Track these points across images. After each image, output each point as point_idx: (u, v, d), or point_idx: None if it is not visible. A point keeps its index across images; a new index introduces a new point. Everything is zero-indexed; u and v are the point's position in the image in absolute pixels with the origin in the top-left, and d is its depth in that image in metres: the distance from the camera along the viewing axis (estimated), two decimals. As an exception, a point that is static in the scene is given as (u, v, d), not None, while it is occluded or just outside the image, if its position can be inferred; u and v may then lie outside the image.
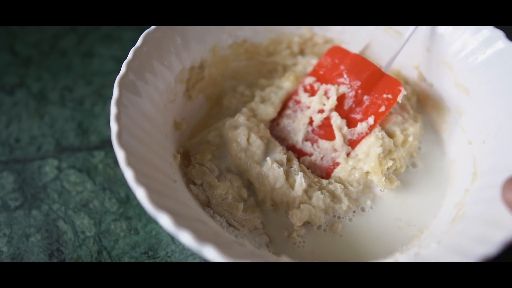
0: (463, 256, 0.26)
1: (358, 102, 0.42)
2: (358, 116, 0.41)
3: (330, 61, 0.44)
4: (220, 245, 0.26)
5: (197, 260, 0.40)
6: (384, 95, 0.41)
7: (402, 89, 0.40)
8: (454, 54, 0.40)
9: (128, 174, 0.28)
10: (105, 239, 0.41)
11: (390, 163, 0.39)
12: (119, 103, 0.32)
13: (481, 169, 0.36)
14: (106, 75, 0.54)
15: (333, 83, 0.43)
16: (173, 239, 0.41)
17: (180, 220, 0.27)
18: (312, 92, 0.44)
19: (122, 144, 0.30)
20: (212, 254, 0.26)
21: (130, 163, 0.29)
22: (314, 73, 0.45)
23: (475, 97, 0.38)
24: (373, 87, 0.41)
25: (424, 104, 0.46)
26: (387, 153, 0.40)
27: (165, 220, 0.27)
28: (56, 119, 0.50)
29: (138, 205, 0.43)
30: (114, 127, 0.30)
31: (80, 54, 0.56)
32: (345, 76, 0.42)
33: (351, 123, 0.42)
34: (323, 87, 0.43)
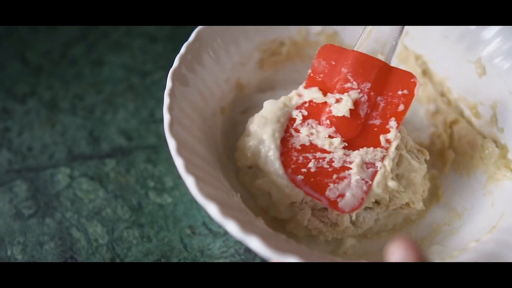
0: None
1: (372, 106, 0.38)
2: (377, 122, 0.37)
3: (325, 63, 0.39)
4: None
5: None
6: (399, 92, 0.37)
7: (417, 80, 0.37)
8: None
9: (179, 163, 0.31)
10: (118, 247, 0.41)
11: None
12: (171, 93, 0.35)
13: None
14: (116, 83, 0.54)
15: (339, 91, 0.38)
16: (185, 247, 0.41)
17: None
18: (316, 111, 0.39)
19: (173, 134, 0.32)
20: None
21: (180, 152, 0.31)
22: (311, 81, 0.39)
23: None
24: (385, 85, 0.38)
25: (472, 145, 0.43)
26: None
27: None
28: (68, 127, 0.50)
29: (150, 213, 0.43)
30: (166, 117, 0.33)
31: (90, 62, 0.57)
32: (351, 80, 0.38)
33: (369, 131, 0.37)
34: (331, 98, 0.38)
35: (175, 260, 0.40)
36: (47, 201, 0.45)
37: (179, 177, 0.46)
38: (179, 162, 0.30)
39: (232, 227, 0.27)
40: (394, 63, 0.40)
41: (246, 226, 0.28)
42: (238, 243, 0.41)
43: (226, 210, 0.28)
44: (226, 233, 0.42)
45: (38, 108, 0.52)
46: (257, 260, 0.40)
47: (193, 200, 0.44)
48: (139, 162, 0.47)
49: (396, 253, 0.25)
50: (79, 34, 0.60)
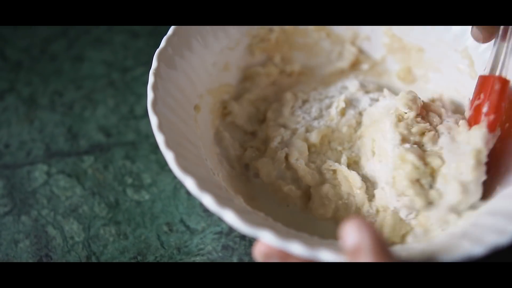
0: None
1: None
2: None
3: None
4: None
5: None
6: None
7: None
8: None
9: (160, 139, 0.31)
10: (94, 244, 0.41)
11: None
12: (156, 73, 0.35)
13: None
14: (96, 79, 0.54)
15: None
16: (162, 244, 0.41)
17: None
18: None
19: (156, 111, 0.32)
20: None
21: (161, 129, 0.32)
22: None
23: None
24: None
25: None
26: None
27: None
28: (46, 124, 0.50)
29: (127, 210, 0.43)
30: (150, 95, 0.33)
31: (71, 58, 0.56)
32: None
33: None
34: None
35: (151, 257, 0.40)
36: (23, 198, 0.44)
37: (157, 173, 0.45)
38: (160, 138, 0.31)
39: (208, 200, 0.28)
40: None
41: (222, 201, 0.28)
42: (216, 240, 0.40)
43: (203, 184, 0.29)
44: (203, 230, 0.41)
45: (17, 105, 0.52)
46: (235, 258, 0.39)
47: (171, 197, 0.43)
48: (117, 158, 0.47)
49: (351, 234, 0.25)
50: (60, 30, 0.59)
